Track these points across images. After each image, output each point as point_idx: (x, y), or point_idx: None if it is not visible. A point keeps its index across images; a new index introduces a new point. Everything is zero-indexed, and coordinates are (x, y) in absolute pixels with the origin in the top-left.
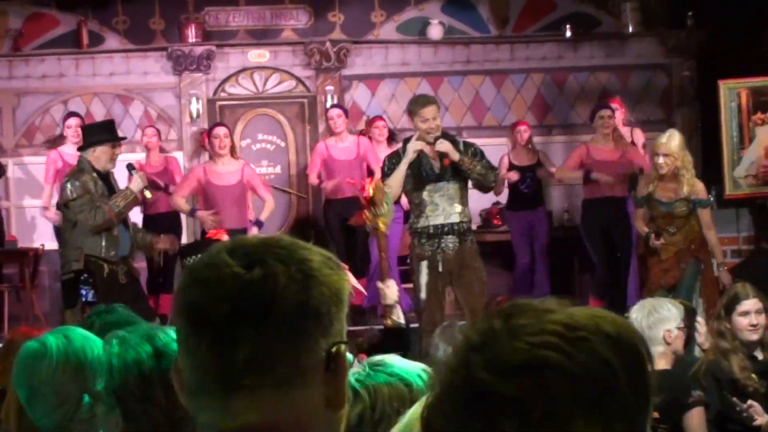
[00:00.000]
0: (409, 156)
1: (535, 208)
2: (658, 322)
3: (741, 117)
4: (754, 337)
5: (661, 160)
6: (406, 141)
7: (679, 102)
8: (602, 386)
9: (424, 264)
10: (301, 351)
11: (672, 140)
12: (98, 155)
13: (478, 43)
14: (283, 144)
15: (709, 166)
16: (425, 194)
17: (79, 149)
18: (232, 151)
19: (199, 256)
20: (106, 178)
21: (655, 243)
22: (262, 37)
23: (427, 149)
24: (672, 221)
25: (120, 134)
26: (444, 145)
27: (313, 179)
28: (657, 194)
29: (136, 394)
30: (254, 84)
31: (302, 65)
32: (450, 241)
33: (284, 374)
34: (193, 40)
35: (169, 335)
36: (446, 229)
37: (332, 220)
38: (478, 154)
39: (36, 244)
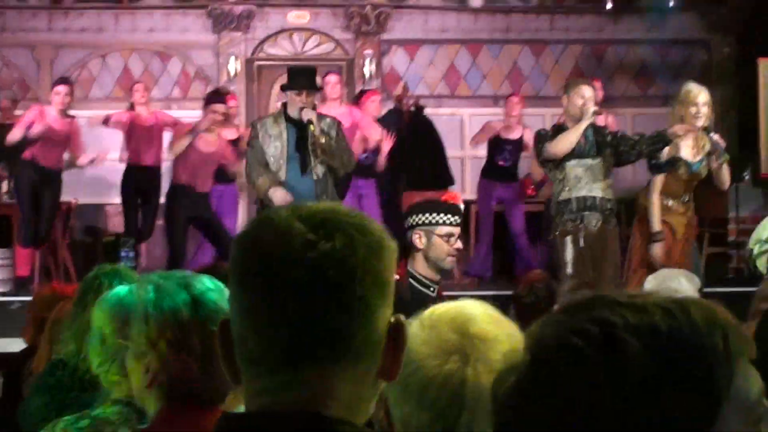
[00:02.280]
0: (586, 122)
1: (510, 181)
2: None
3: None
4: None
5: (704, 110)
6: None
7: (717, 79)
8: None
9: (568, 239)
10: (374, 323)
11: (704, 90)
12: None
13: (519, 11)
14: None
15: (745, 145)
16: (568, 168)
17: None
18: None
19: (259, 220)
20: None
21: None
22: None
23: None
24: (689, 187)
25: (160, 92)
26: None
27: None
28: (679, 153)
29: (172, 342)
30: (293, 45)
31: (342, 28)
32: (594, 219)
33: (359, 347)
34: None
35: (205, 284)
36: (589, 203)
37: None
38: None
39: (69, 198)
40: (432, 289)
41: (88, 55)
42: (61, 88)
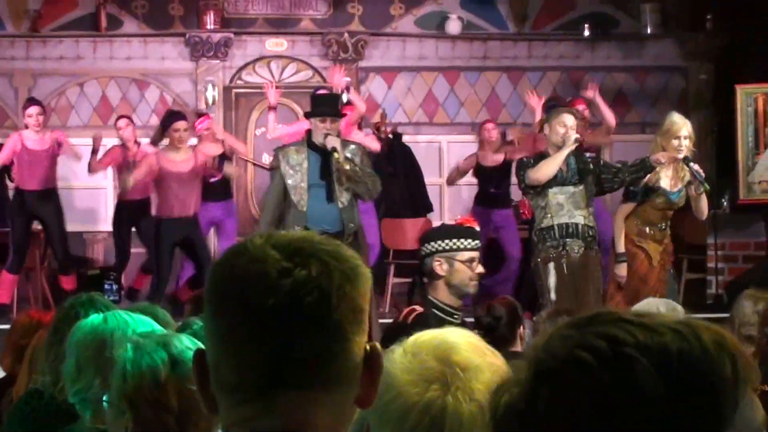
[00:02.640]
0: (567, 150)
1: (503, 208)
2: None
3: (757, 122)
4: None
5: (686, 142)
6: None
7: (695, 105)
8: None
9: (551, 266)
10: (350, 349)
11: (687, 123)
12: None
13: (496, 39)
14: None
15: (724, 171)
16: (550, 195)
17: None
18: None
19: (233, 249)
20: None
21: (619, 278)
22: (280, 26)
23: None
24: (666, 215)
25: (138, 120)
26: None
27: None
28: (658, 182)
29: (150, 400)
30: (271, 73)
31: (319, 56)
32: (576, 246)
33: (335, 373)
34: (212, 26)
35: (184, 343)
36: (570, 230)
37: None
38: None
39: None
40: (456, 317)
41: (66, 83)
42: (32, 110)
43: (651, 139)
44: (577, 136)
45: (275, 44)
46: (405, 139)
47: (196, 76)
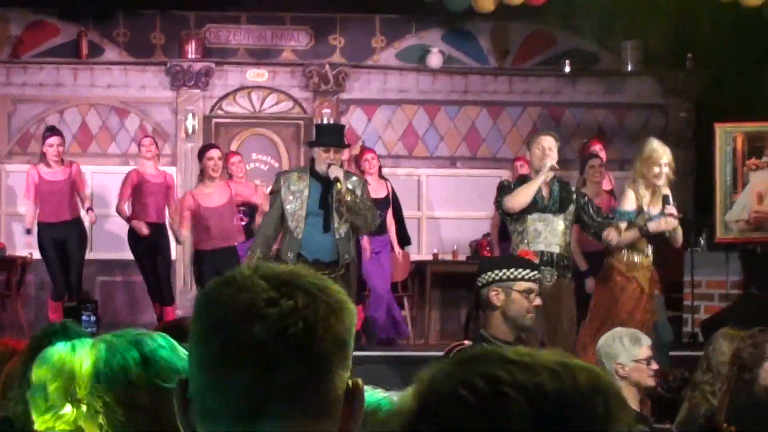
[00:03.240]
0: (543, 177)
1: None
2: (608, 355)
3: (735, 161)
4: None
5: (666, 170)
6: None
7: (674, 143)
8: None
9: None
10: (332, 382)
11: (668, 150)
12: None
13: (477, 73)
14: (276, 164)
15: (701, 209)
16: (529, 221)
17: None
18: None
19: (221, 278)
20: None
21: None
22: (261, 56)
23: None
24: (650, 241)
25: (117, 148)
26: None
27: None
28: (645, 207)
29: (122, 399)
30: (251, 103)
31: (300, 87)
32: (548, 273)
33: (316, 404)
34: (193, 56)
35: (157, 341)
36: (546, 257)
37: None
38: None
39: (24, 253)
40: None
41: (46, 110)
42: (53, 140)
43: (629, 176)
44: (553, 163)
45: (256, 75)
46: (384, 171)
47: (177, 105)
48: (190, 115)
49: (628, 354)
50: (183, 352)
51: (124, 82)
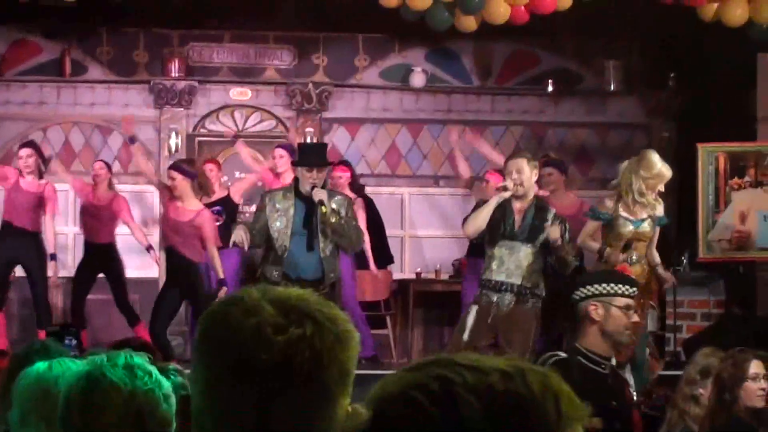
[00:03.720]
0: (495, 201)
1: None
2: None
3: (718, 181)
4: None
5: (662, 187)
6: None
7: None
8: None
9: (475, 308)
10: (333, 410)
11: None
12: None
13: (460, 92)
14: (259, 183)
15: (684, 229)
16: (496, 249)
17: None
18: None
19: (229, 299)
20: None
21: (617, 258)
22: (244, 75)
23: (517, 205)
24: (636, 246)
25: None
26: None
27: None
28: (624, 212)
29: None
30: (234, 122)
31: (283, 105)
32: (507, 299)
33: (319, 431)
34: (176, 74)
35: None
36: (505, 287)
37: None
38: (567, 231)
39: None
40: (603, 366)
41: (29, 128)
42: (23, 152)
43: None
44: (506, 184)
45: (239, 93)
46: (367, 190)
47: (160, 124)
48: (173, 134)
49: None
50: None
51: (108, 101)
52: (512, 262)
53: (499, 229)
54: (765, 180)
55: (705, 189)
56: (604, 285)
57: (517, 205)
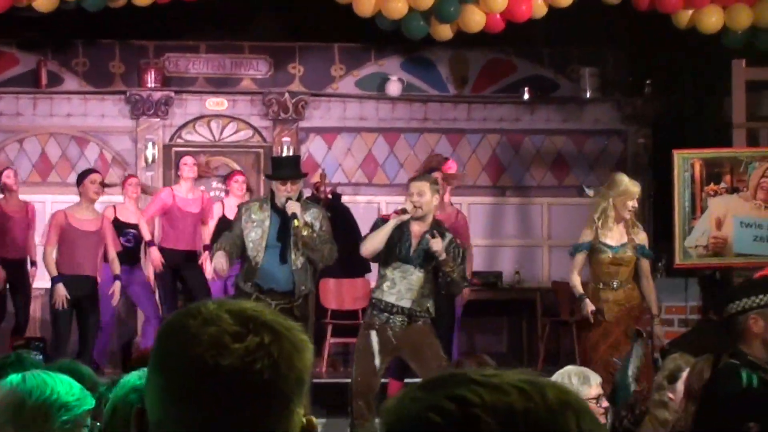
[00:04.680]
0: (394, 222)
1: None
2: None
3: (694, 187)
4: None
5: (635, 205)
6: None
7: (633, 169)
8: None
9: (373, 333)
10: (289, 419)
11: (638, 186)
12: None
13: (436, 101)
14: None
15: (660, 235)
16: (389, 270)
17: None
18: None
19: (186, 310)
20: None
21: (588, 312)
22: (221, 85)
23: (415, 228)
24: (617, 272)
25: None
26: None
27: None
28: (602, 238)
29: None
30: (211, 132)
31: (260, 115)
32: (398, 320)
33: None
34: (152, 85)
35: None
36: (396, 309)
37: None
38: (459, 254)
39: None
40: (765, 371)
41: (5, 140)
42: (9, 173)
43: (587, 201)
44: (405, 207)
45: (216, 103)
46: (344, 199)
47: (136, 134)
48: (150, 144)
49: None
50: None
51: (84, 112)
52: (403, 285)
53: (394, 250)
54: (741, 186)
55: (681, 195)
56: (761, 296)
57: (415, 228)
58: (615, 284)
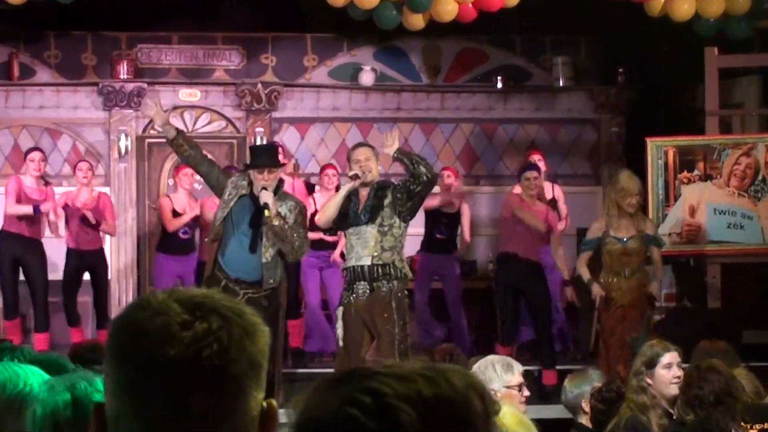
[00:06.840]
0: (346, 189)
1: (447, 254)
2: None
3: (667, 175)
4: (676, 390)
5: (634, 201)
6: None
7: (606, 158)
8: None
9: (341, 313)
10: (246, 403)
11: (638, 180)
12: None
13: (409, 91)
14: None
15: None
16: (348, 238)
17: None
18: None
19: (136, 302)
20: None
21: (597, 295)
22: (193, 76)
23: (362, 194)
24: (628, 261)
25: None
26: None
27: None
28: (611, 232)
29: None
30: (184, 123)
31: (233, 106)
32: (361, 288)
33: (231, 426)
34: (125, 76)
35: (95, 386)
36: (357, 274)
37: None
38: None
39: None
40: None
41: None
42: (35, 155)
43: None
44: (356, 172)
45: (189, 94)
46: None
47: (109, 126)
48: (123, 136)
49: (500, 380)
50: None
51: (56, 103)
52: (360, 246)
53: (347, 217)
54: (714, 173)
55: (655, 183)
56: None
57: (362, 192)
58: (627, 273)
